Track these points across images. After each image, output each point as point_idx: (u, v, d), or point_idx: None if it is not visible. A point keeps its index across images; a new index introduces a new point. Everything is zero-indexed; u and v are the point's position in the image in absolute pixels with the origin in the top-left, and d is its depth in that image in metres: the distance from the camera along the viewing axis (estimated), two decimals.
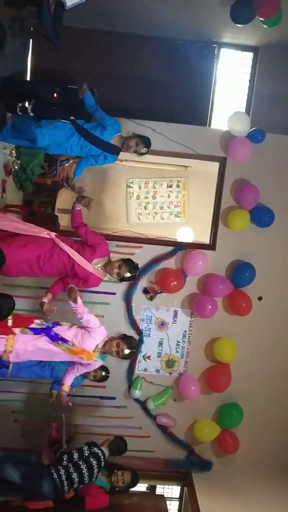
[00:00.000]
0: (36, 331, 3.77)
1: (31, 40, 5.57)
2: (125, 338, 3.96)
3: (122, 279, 4.03)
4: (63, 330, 3.82)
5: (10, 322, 3.54)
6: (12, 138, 4.31)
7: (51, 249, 3.89)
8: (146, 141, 4.29)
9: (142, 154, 4.32)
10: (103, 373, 4.50)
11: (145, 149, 4.28)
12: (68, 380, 3.98)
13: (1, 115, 3.16)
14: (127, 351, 3.88)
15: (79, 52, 5.56)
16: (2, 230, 3.86)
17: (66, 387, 3.97)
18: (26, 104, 4.42)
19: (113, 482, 4.33)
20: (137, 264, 4.12)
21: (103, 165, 4.42)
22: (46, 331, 3.78)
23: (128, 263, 3.99)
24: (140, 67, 5.79)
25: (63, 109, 4.45)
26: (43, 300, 3.94)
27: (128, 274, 3.97)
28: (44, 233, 3.92)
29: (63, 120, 4.27)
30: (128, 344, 3.90)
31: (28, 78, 5.72)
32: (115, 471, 4.37)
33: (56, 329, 3.82)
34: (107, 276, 4.11)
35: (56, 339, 3.77)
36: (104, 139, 4.22)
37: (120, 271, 3.95)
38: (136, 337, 5.17)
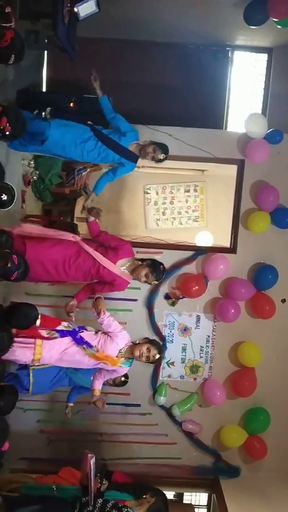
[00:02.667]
0: (62, 334, 3.80)
1: (46, 52, 5.64)
2: (153, 342, 3.95)
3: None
4: (89, 335, 3.85)
5: (38, 322, 3.56)
6: (20, 146, 4.26)
7: (77, 252, 3.92)
8: (163, 148, 4.28)
9: (160, 160, 4.30)
10: (122, 379, 4.45)
11: (162, 155, 4.25)
12: (97, 385, 3.98)
13: (20, 125, 3.19)
14: (157, 356, 3.88)
15: (94, 62, 5.55)
16: (29, 236, 3.91)
17: (97, 392, 3.96)
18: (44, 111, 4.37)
19: None
20: (163, 268, 4.08)
21: (122, 175, 4.39)
22: (72, 334, 3.81)
23: (155, 271, 3.97)
24: (154, 73, 5.81)
25: (80, 117, 4.43)
26: (71, 304, 4.03)
27: (155, 282, 4.03)
28: (70, 236, 3.97)
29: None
30: (158, 349, 3.91)
31: (44, 89, 5.79)
32: (145, 497, 4.12)
33: (82, 334, 3.84)
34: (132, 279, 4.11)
35: (81, 343, 3.79)
36: (122, 145, 4.21)
37: (148, 280, 3.97)
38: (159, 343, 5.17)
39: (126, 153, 4.23)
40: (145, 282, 4.00)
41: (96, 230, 4.07)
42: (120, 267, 3.97)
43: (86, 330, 3.91)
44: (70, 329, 3.84)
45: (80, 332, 3.83)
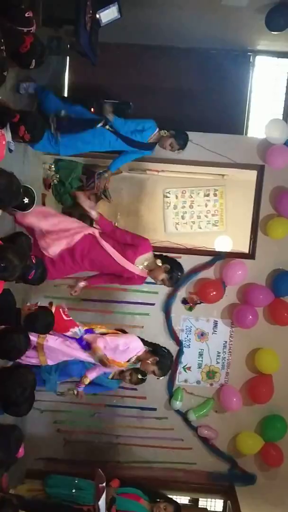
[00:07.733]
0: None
1: (68, 57, 5.70)
2: (159, 363, 3.84)
3: None
4: (95, 339, 3.71)
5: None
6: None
7: (91, 244, 3.90)
8: (181, 142, 4.30)
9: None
10: (139, 376, 4.26)
11: (179, 150, 4.32)
12: (91, 375, 3.92)
13: (39, 131, 3.26)
14: (161, 377, 3.93)
15: (116, 67, 5.64)
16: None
17: (87, 380, 3.90)
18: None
19: None
20: (180, 275, 4.09)
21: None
22: (78, 341, 3.73)
23: (172, 279, 3.97)
24: (176, 78, 5.81)
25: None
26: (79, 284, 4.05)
27: (171, 288, 4.08)
28: (88, 231, 3.93)
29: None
30: (163, 370, 3.88)
31: (65, 94, 5.85)
32: (158, 500, 4.16)
33: (88, 337, 3.71)
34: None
35: (86, 348, 3.72)
36: (141, 141, 4.26)
37: (164, 284, 4.02)
38: (176, 347, 5.17)
39: (145, 146, 4.30)
40: (162, 283, 4.04)
41: (106, 225, 4.02)
42: (138, 265, 3.95)
43: (93, 331, 3.78)
44: (77, 337, 3.71)
45: (85, 335, 3.72)
